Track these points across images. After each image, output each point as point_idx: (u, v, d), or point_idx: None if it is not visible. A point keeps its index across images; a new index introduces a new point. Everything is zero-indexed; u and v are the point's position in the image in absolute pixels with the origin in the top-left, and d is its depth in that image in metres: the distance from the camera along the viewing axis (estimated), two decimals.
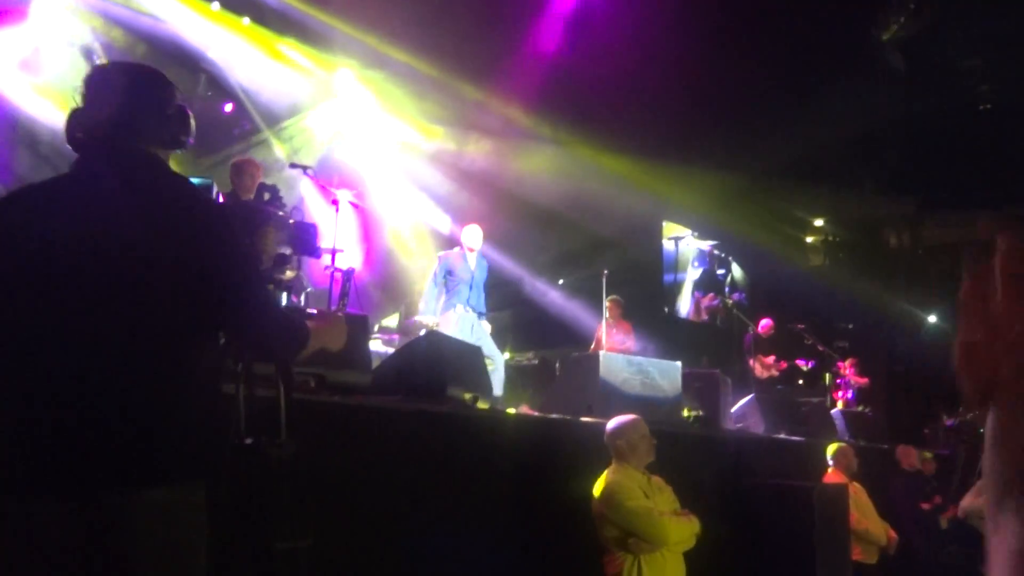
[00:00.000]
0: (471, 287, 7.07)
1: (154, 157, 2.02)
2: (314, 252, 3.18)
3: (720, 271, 13.62)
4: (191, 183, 2.10)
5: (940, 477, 7.84)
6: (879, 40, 12.47)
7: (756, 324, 9.97)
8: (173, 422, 1.86)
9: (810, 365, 10.28)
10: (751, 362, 9.31)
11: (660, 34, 9.65)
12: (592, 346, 8.56)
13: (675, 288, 13.08)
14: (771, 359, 9.43)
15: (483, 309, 7.25)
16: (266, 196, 2.94)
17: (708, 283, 13.25)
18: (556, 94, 9.96)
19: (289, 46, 10.06)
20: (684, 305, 13.25)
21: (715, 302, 12.22)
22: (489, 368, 5.98)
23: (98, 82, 2.04)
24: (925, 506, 7.14)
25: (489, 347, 6.80)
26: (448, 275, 7.09)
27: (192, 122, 2.12)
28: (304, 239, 3.08)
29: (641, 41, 9.68)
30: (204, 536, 1.96)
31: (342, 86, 10.50)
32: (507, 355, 9.02)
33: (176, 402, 1.87)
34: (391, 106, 10.85)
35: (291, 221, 3.04)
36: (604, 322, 8.45)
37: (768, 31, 10.44)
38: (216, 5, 9.42)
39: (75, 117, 2.01)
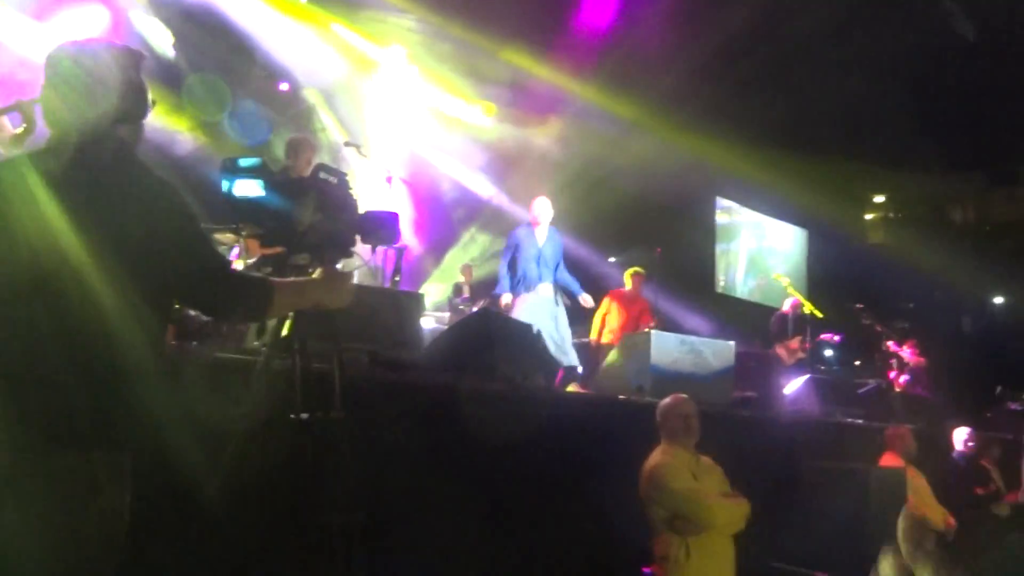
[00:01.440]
0: (539, 263, 6.78)
1: (107, 137, 2.04)
2: (395, 238, 3.20)
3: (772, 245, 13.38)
4: (138, 162, 2.09)
5: (1003, 462, 7.60)
6: (941, 7, 11.99)
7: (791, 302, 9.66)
8: (99, 392, 1.90)
9: (837, 339, 9.92)
10: (777, 348, 9.05)
11: (716, 5, 9.43)
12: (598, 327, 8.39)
13: (729, 261, 12.90)
14: (796, 342, 9.14)
15: (559, 283, 6.95)
16: (332, 180, 2.96)
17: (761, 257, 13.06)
18: (608, 67, 9.83)
19: (342, 24, 10.12)
20: (739, 281, 13.07)
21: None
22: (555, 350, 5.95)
23: (54, 64, 2.06)
24: (980, 491, 6.94)
25: (562, 329, 6.64)
26: (516, 252, 6.84)
27: (147, 94, 2.13)
28: (386, 227, 3.10)
29: (696, 12, 9.49)
30: (110, 502, 1.93)
31: (393, 62, 10.54)
32: None
33: (113, 374, 1.90)
34: (440, 81, 10.85)
35: (368, 211, 3.06)
36: (612, 298, 8.30)
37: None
38: None
39: (47, 96, 2.05)
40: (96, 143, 2.02)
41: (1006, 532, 6.70)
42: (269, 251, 4.41)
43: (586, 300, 7.20)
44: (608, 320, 8.30)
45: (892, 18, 11.16)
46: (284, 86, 10.25)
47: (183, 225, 2.04)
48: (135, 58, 2.15)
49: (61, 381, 1.86)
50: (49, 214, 1.89)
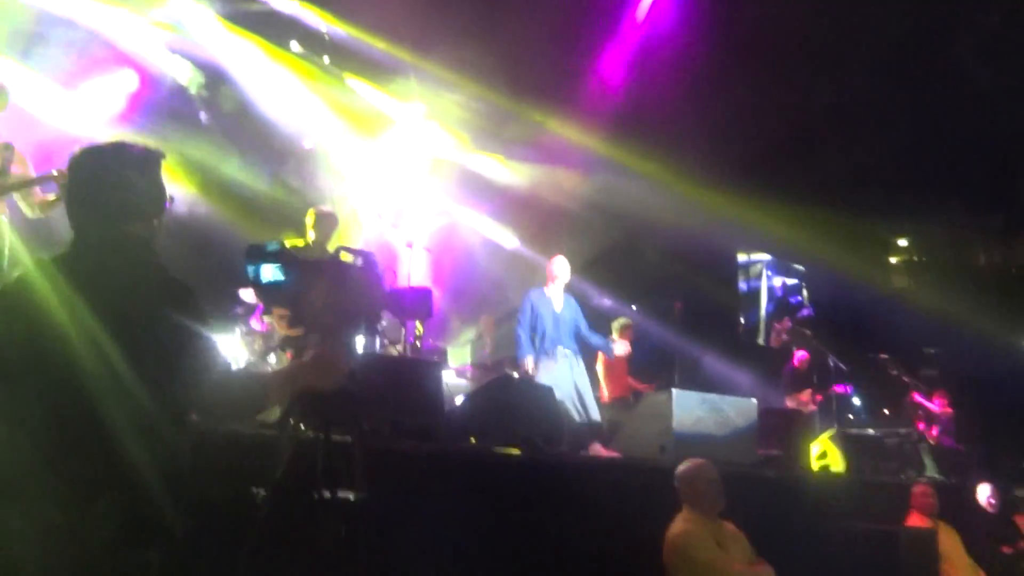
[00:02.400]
0: (556, 326, 6.72)
1: (124, 237, 2.12)
2: (428, 314, 3.27)
3: (794, 296, 13.30)
4: (151, 264, 2.16)
5: None
6: (960, 52, 12.05)
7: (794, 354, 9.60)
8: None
9: (848, 391, 9.79)
10: (787, 401, 8.93)
11: (732, 59, 9.55)
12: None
13: (748, 309, 12.84)
14: (806, 395, 9.02)
15: (588, 344, 6.93)
16: (356, 260, 3.04)
17: (782, 310, 12.96)
18: (628, 123, 9.95)
19: (362, 80, 10.35)
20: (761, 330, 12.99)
21: (790, 325, 11.90)
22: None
23: (78, 166, 2.16)
24: (1007, 550, 6.74)
25: (583, 389, 6.54)
26: (533, 315, 6.72)
27: (165, 192, 2.21)
28: (418, 303, 3.19)
29: (712, 66, 9.61)
30: None
31: (412, 119, 10.73)
32: None
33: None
34: (461, 137, 11.03)
35: (399, 287, 3.15)
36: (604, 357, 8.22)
37: (846, 48, 10.21)
38: (296, 46, 9.80)
39: (67, 198, 2.16)
40: (115, 244, 2.11)
41: None
42: (292, 333, 4.49)
43: (620, 347, 7.25)
44: (612, 374, 8.27)
45: (912, 66, 11.24)
46: (307, 143, 10.44)
47: (192, 330, 2.09)
48: (154, 158, 2.25)
49: (124, 482, 1.93)
50: (83, 321, 1.97)
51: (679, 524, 4.15)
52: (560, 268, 6.90)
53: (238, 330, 6.49)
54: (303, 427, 3.04)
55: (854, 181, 12.38)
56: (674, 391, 5.84)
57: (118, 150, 2.21)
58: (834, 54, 10.16)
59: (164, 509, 1.99)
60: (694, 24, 9.91)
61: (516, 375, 6.37)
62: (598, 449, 5.89)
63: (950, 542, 5.94)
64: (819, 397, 9.18)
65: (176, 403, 2.05)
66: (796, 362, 9.49)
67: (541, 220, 10.92)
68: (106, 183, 2.13)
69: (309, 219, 5.75)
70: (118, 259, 2.10)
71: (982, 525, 6.89)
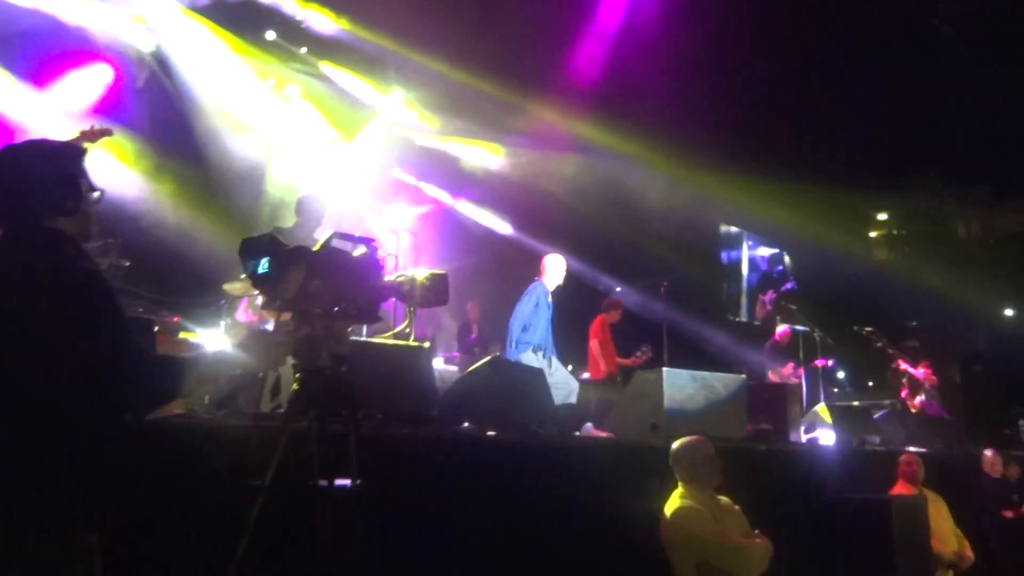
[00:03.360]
0: (548, 325, 6.82)
1: (39, 232, 2.15)
2: (444, 300, 3.26)
3: (777, 267, 13.36)
4: (70, 254, 2.16)
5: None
6: (940, 24, 12.10)
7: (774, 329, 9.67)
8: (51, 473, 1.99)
9: (829, 364, 9.90)
10: (770, 375, 9.01)
11: (713, 37, 9.54)
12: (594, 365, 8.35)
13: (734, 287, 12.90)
14: (789, 369, 9.12)
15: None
16: (355, 246, 3.03)
17: (767, 282, 13.03)
18: (609, 103, 9.93)
19: (344, 70, 10.25)
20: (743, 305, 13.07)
21: (774, 296, 11.97)
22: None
23: None
24: (1009, 514, 6.84)
25: (564, 377, 6.67)
26: (537, 309, 6.80)
27: (81, 187, 2.23)
28: (435, 290, 3.17)
29: (694, 44, 9.59)
30: None
31: (393, 107, 10.67)
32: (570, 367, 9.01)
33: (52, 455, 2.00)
34: (443, 124, 10.98)
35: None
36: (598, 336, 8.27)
37: (826, 21, 10.22)
38: (272, 34, 9.68)
39: None
40: (27, 238, 2.13)
41: None
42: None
43: None
44: (603, 352, 8.29)
45: (892, 40, 11.26)
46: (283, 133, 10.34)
47: (99, 316, 2.10)
48: (74, 153, 2.29)
49: (24, 468, 1.96)
50: None
51: (677, 500, 4.17)
52: (554, 265, 6.89)
53: (223, 323, 6.45)
54: (299, 417, 3.02)
55: (834, 156, 12.45)
56: (664, 369, 5.85)
57: (40, 145, 2.27)
58: (816, 30, 10.18)
59: (84, 497, 2.02)
60: (674, 3, 9.88)
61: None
62: (590, 430, 5.91)
63: (935, 510, 6.02)
64: (800, 371, 9.26)
65: (80, 394, 2.05)
66: (778, 336, 9.55)
67: (523, 203, 10.90)
68: (19, 180, 2.17)
69: (295, 204, 5.75)
70: (36, 250, 2.12)
71: (983, 493, 6.98)
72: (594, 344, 8.24)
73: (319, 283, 3.04)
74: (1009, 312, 14.53)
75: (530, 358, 6.56)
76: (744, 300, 13.06)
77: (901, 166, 14.42)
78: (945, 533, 6.04)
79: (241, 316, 6.46)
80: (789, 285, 11.57)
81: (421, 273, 3.16)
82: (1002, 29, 12.27)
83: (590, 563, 4.38)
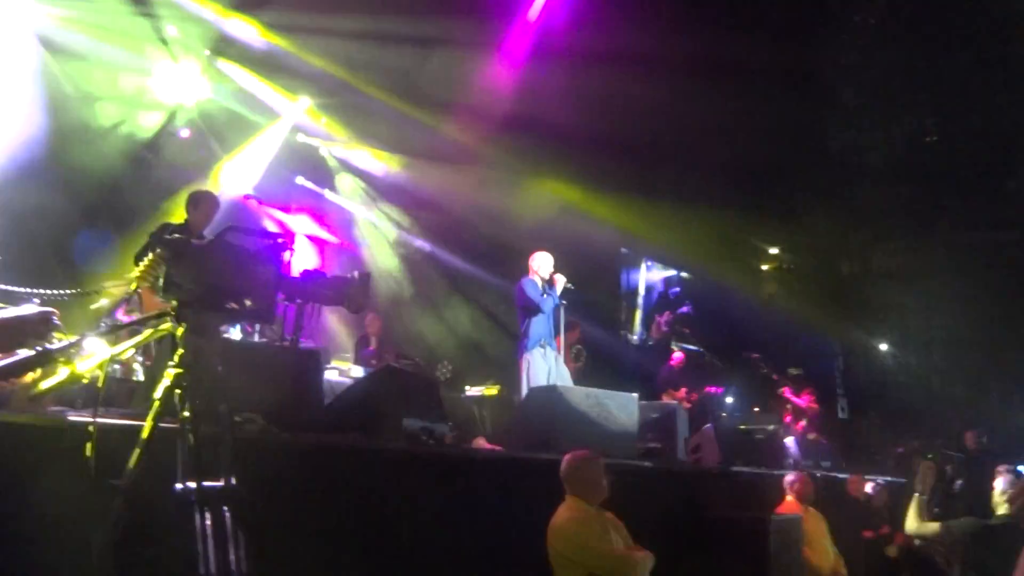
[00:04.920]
0: (548, 320, 6.91)
1: None
2: (364, 305, 3.14)
3: (673, 289, 13.76)
4: None
5: (891, 505, 7.93)
6: (830, 71, 12.84)
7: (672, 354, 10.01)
8: None
9: (720, 392, 10.32)
10: (663, 398, 9.30)
11: (615, 65, 9.78)
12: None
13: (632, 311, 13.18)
14: (682, 392, 9.45)
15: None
16: (253, 241, 2.91)
17: (663, 304, 13.42)
18: (517, 127, 10.03)
19: (251, 74, 9.99)
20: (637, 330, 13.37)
21: (670, 318, 12.33)
22: None
23: None
24: (868, 535, 7.21)
25: (565, 372, 6.82)
26: (529, 305, 6.89)
27: None
28: (356, 291, 3.05)
29: (597, 74, 9.82)
30: None
31: (298, 114, 10.47)
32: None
33: None
34: (349, 134, 10.84)
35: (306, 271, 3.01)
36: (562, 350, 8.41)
37: (723, 64, 10.64)
38: (173, 29, 9.32)
39: None
40: None
41: (897, 573, 6.97)
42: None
43: None
44: None
45: (783, 83, 11.83)
46: (185, 133, 9.98)
47: None
48: None
49: None
50: None
51: (564, 512, 4.18)
52: (543, 262, 6.95)
53: (102, 324, 6.12)
54: (169, 416, 2.88)
55: (729, 191, 12.95)
56: (557, 386, 5.88)
57: None
58: (712, 67, 10.58)
59: None
60: (584, 28, 10.10)
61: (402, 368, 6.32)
62: (481, 443, 5.87)
63: (814, 527, 6.28)
64: (694, 396, 9.53)
65: None
66: (674, 361, 9.82)
67: (428, 216, 10.86)
68: None
69: (186, 201, 5.56)
70: None
71: (847, 514, 7.33)
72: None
73: (202, 277, 2.92)
74: (884, 347, 15.41)
75: (537, 355, 6.69)
76: (638, 320, 13.36)
77: (791, 204, 15.14)
78: (825, 550, 6.32)
79: (122, 316, 6.15)
80: (684, 309, 11.94)
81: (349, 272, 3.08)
82: (885, 77, 13.07)
83: (477, 574, 4.32)
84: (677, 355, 9.98)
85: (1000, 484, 5.47)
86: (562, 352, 7.08)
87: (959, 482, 8.80)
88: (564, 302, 7.10)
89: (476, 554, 4.39)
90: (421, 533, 4.15)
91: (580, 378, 7.59)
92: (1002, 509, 5.37)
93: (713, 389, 10.16)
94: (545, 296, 6.92)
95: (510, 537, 4.46)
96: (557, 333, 7.02)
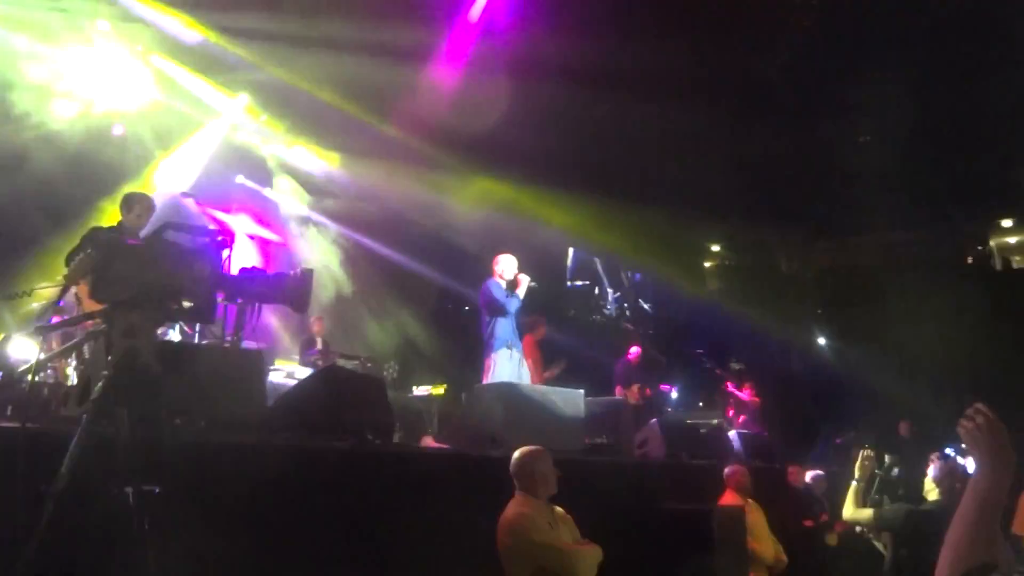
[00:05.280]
0: (511, 321, 6.94)
1: None
2: (305, 305, 3.07)
3: (636, 276, 13.92)
4: None
5: (830, 494, 8.17)
6: (769, 71, 13.14)
7: (628, 348, 10.14)
8: None
9: (673, 390, 10.50)
10: (618, 392, 9.41)
11: (556, 71, 9.85)
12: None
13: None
14: (636, 388, 9.59)
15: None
16: (191, 240, 2.84)
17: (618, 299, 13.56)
18: (458, 126, 10.01)
19: (189, 71, 9.76)
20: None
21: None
22: None
23: None
24: (808, 523, 7.40)
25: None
26: (493, 307, 6.91)
27: None
28: (296, 291, 2.98)
29: (538, 75, 9.87)
30: None
31: (236, 112, 10.27)
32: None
33: None
34: (289, 131, 10.69)
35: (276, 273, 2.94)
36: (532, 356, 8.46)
37: (661, 64, 10.79)
38: (105, 24, 9.06)
39: None
40: None
41: (837, 560, 7.17)
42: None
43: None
44: (537, 368, 8.46)
45: (724, 84, 12.07)
46: (118, 130, 9.69)
47: None
48: None
49: None
50: None
51: (513, 508, 4.19)
52: (507, 264, 6.98)
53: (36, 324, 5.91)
54: (106, 420, 2.80)
55: (673, 188, 13.15)
56: (504, 383, 5.89)
57: None
58: (650, 72, 10.73)
59: None
60: (526, 29, 10.14)
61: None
62: (428, 441, 5.84)
63: (755, 518, 6.41)
64: (648, 392, 9.66)
65: None
66: (630, 356, 9.90)
67: (370, 213, 10.76)
68: None
69: (120, 203, 5.42)
70: None
71: (788, 503, 7.50)
72: (528, 364, 8.33)
73: (136, 277, 2.85)
74: (821, 341, 15.84)
75: (503, 356, 6.70)
76: (594, 317, 13.48)
77: (734, 202, 15.43)
78: (766, 539, 6.46)
79: (54, 318, 5.94)
80: (618, 301, 12.08)
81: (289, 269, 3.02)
82: (821, 79, 13.41)
83: (424, 574, 4.30)
84: (634, 350, 10.07)
85: (932, 471, 5.67)
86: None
87: (895, 470, 9.09)
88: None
89: (425, 552, 4.36)
90: (367, 533, 4.11)
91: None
92: (933, 495, 5.58)
93: (666, 387, 10.33)
94: (509, 297, 6.94)
95: (459, 535, 4.45)
96: (522, 334, 7.08)
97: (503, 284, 7.03)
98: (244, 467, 3.72)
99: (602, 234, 12.55)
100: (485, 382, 6.77)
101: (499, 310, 6.92)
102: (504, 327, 6.93)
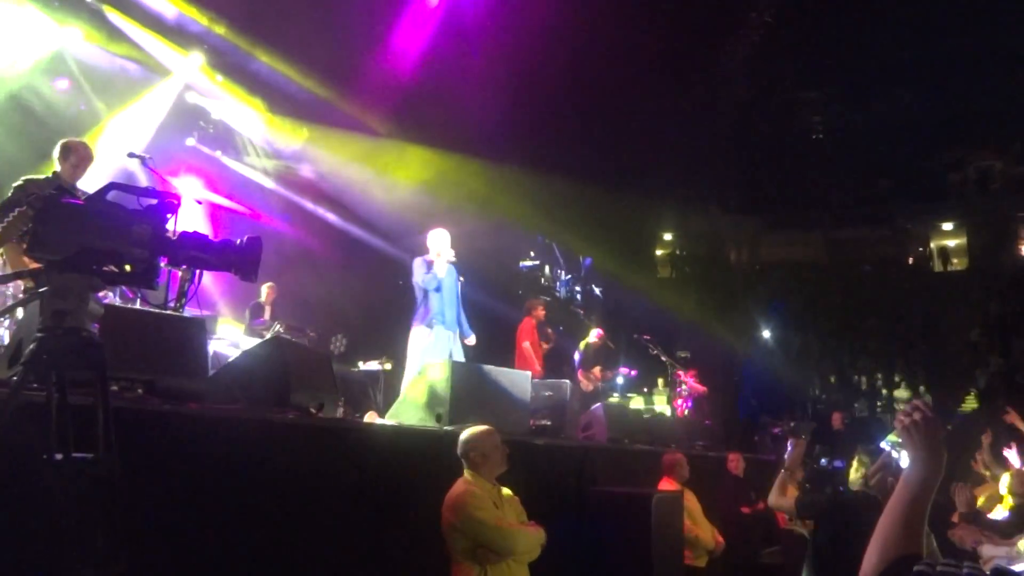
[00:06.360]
0: (442, 298, 6.71)
1: None
2: (254, 272, 2.95)
3: (587, 260, 14.00)
4: None
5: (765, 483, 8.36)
6: (726, 66, 13.27)
7: (589, 332, 10.22)
8: None
9: (633, 374, 10.60)
10: (580, 376, 9.47)
11: (516, 49, 9.80)
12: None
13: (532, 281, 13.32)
14: (597, 371, 9.66)
15: (462, 325, 6.94)
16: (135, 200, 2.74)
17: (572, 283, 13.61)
18: (417, 104, 9.92)
19: (141, 28, 9.42)
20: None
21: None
22: None
23: None
24: (746, 510, 7.59)
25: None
26: (422, 283, 6.71)
27: None
28: (245, 258, 2.87)
29: (495, 56, 9.82)
30: None
31: (191, 72, 9.96)
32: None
33: None
34: (241, 97, 10.42)
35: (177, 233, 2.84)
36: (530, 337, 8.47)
37: (620, 51, 10.82)
38: None
39: None
40: None
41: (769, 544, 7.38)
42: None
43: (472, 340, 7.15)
44: (536, 350, 8.58)
45: (681, 74, 12.16)
46: (63, 83, 9.31)
47: None
48: None
49: None
50: None
51: (460, 486, 4.19)
52: (436, 240, 6.75)
53: None
54: (36, 385, 2.69)
55: (627, 176, 13.24)
56: (451, 361, 5.87)
57: None
58: (609, 51, 10.74)
59: None
60: (486, 23, 10.07)
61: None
62: (373, 417, 5.80)
63: (692, 504, 6.55)
64: (609, 375, 9.77)
65: None
66: (593, 340, 9.94)
67: (324, 182, 10.61)
68: None
69: (56, 151, 5.19)
70: None
71: (726, 490, 7.68)
72: (526, 346, 8.29)
73: (75, 237, 2.75)
74: (766, 333, 16.18)
75: (423, 331, 6.57)
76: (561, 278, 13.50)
77: (686, 192, 15.59)
78: (704, 523, 6.61)
79: None
80: (568, 284, 12.12)
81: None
82: (778, 73, 13.60)
83: (367, 548, 4.28)
84: (596, 331, 10.09)
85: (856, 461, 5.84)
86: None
87: (824, 460, 9.34)
88: (462, 279, 7.05)
89: (367, 528, 4.34)
90: (309, 506, 4.07)
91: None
92: (858, 484, 5.75)
93: (626, 371, 10.43)
94: (427, 274, 6.75)
95: (403, 511, 4.44)
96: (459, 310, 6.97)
97: (432, 259, 6.81)
98: (183, 437, 3.64)
99: (553, 216, 12.56)
100: (407, 357, 6.70)
101: (422, 287, 6.76)
102: (435, 303, 6.71)
